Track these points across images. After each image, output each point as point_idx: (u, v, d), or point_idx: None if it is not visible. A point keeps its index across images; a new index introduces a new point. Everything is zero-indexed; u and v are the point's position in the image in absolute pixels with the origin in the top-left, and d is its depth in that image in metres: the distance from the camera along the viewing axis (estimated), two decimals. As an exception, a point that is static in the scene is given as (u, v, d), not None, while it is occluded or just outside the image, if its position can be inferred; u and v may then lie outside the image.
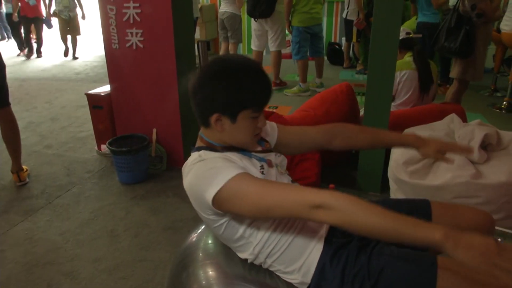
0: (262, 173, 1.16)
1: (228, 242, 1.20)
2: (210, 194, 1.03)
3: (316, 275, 1.13)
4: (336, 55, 6.73)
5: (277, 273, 1.18)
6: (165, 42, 2.80)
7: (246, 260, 1.20)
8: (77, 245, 2.26)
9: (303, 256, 1.15)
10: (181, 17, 2.80)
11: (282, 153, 1.35)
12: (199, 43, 3.05)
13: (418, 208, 1.31)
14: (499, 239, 1.96)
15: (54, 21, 7.88)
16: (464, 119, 2.76)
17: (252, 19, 4.97)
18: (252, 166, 1.15)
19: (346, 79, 5.65)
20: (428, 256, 1.10)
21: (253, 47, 5.23)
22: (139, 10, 2.80)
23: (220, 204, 1.04)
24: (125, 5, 2.81)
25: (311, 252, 1.15)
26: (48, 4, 7.78)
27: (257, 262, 1.19)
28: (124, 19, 2.85)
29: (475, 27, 3.24)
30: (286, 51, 5.71)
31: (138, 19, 2.82)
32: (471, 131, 2.22)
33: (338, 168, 2.99)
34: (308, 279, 1.14)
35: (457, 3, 3.30)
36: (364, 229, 0.93)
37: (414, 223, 0.91)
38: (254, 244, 1.15)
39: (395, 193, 2.38)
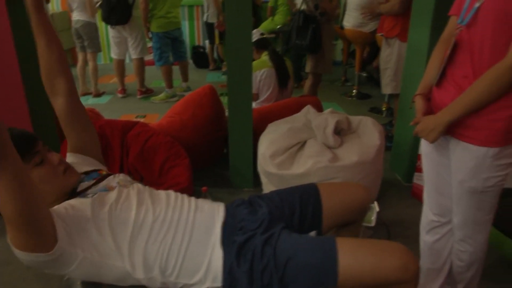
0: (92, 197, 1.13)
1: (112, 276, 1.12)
2: None
3: (227, 278, 1.11)
4: (201, 58, 6.78)
5: None
6: (3, 55, 2.49)
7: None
8: None
9: (204, 263, 1.13)
10: (20, 27, 2.53)
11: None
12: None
13: (308, 192, 1.40)
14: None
15: None
16: (320, 109, 3.01)
17: (109, 26, 4.74)
18: (82, 202, 1.12)
19: (212, 81, 5.73)
20: (328, 240, 1.15)
21: (113, 55, 4.99)
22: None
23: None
24: None
25: (211, 257, 1.13)
26: None
27: (161, 285, 1.13)
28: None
29: (320, 25, 3.54)
30: (149, 57, 5.57)
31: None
32: (325, 119, 2.42)
33: (210, 169, 3.02)
34: (219, 283, 1.12)
35: (302, 4, 3.57)
36: None
37: None
38: (138, 266, 1.09)
39: (267, 186, 2.49)
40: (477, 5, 1.26)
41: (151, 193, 1.24)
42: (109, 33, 4.95)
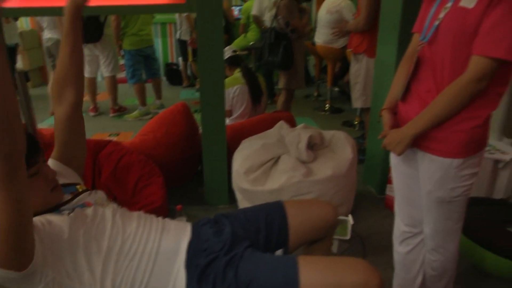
0: (68, 214, 1.10)
1: None
2: None
3: None
4: (174, 75, 6.78)
5: None
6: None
7: None
8: None
9: (168, 287, 1.11)
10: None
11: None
12: (15, 74, 2.74)
13: (274, 210, 1.40)
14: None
15: None
16: (294, 124, 3.04)
17: (80, 44, 4.69)
18: (59, 220, 1.09)
19: (186, 98, 5.73)
20: (290, 260, 1.15)
21: (84, 73, 4.92)
22: None
23: None
24: None
25: (175, 282, 1.12)
26: None
27: None
28: None
29: (291, 42, 3.61)
30: (121, 75, 5.53)
31: None
32: (298, 134, 2.45)
33: (185, 187, 3.00)
34: None
35: (273, 21, 3.64)
36: None
37: None
38: None
39: (242, 202, 2.48)
40: (436, 23, 1.32)
41: (123, 214, 1.22)
42: (80, 52, 4.89)
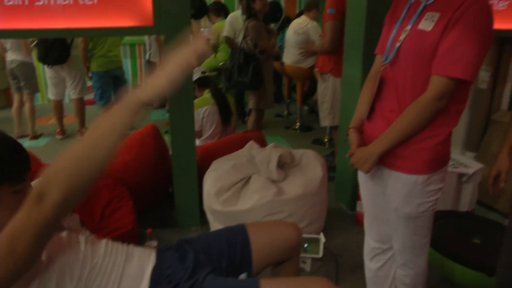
0: None
1: None
2: None
3: None
4: (144, 97, 6.71)
5: None
6: None
7: None
8: None
9: None
10: None
11: None
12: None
13: (236, 233, 1.39)
14: (305, 245, 2.21)
15: None
16: (264, 144, 3.06)
17: (46, 66, 4.60)
18: None
19: (157, 119, 5.68)
20: (251, 282, 1.16)
21: (50, 96, 4.82)
22: None
23: None
24: None
25: None
26: None
27: None
28: None
29: (260, 62, 3.66)
30: (89, 96, 5.44)
31: None
32: (268, 154, 2.46)
33: (156, 209, 2.95)
34: None
35: (241, 42, 3.68)
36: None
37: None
38: None
39: (213, 224, 2.46)
40: (397, 45, 1.38)
41: (93, 242, 1.19)
42: (46, 73, 4.80)
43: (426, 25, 1.31)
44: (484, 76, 3.22)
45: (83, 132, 4.90)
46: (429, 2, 1.34)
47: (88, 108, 5.13)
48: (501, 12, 2.86)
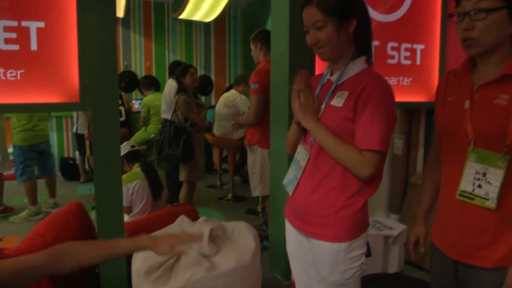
0: None
1: None
2: None
3: None
4: (71, 170, 6.45)
5: None
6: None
7: None
8: None
9: None
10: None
11: None
12: None
13: None
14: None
15: None
16: (196, 217, 3.02)
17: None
18: None
19: (84, 193, 5.43)
20: None
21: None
22: None
23: None
24: None
25: None
26: None
27: None
28: None
29: (190, 135, 3.72)
30: (9, 172, 5.11)
31: None
32: (199, 228, 2.43)
33: (80, 293, 2.74)
34: None
35: (172, 116, 3.75)
36: None
37: None
38: None
39: (143, 305, 2.32)
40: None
41: None
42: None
43: (338, 101, 1.46)
44: (399, 144, 3.52)
45: (0, 210, 4.54)
46: (340, 83, 1.49)
47: (8, 184, 4.81)
48: (406, 88, 3.19)
